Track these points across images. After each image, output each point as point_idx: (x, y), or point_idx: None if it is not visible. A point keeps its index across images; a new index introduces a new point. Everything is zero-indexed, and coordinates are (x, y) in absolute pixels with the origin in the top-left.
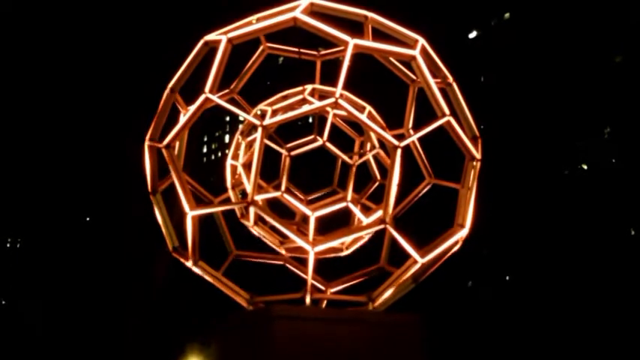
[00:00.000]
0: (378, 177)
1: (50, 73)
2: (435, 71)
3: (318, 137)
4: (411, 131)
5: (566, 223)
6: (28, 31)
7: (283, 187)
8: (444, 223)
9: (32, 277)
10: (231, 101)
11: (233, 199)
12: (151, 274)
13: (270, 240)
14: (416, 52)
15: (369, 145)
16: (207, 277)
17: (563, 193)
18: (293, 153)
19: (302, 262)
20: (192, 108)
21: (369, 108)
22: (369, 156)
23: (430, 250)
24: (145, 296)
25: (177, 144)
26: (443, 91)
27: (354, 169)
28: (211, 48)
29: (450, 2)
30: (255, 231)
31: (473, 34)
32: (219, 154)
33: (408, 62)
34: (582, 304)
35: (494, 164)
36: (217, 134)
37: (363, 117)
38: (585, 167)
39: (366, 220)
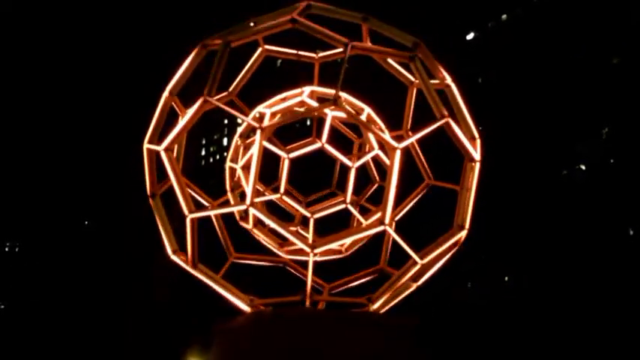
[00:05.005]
0: (377, 179)
1: (49, 76)
2: (434, 73)
3: (317, 139)
4: (410, 133)
5: (566, 224)
6: (28, 31)
7: (282, 190)
8: (443, 225)
9: (31, 280)
10: (230, 104)
11: (232, 202)
12: (151, 276)
13: (269, 242)
14: (414, 54)
15: (368, 147)
16: (206, 280)
17: (562, 193)
18: (292, 155)
19: (302, 264)
20: (191, 111)
21: (367, 110)
22: (368, 158)
23: (430, 251)
24: (145, 298)
25: (175, 147)
26: (441, 92)
27: (353, 171)
28: (210, 51)
29: (447, 4)
30: (255, 233)
31: (470, 36)
32: (218, 156)
33: (407, 64)
34: (581, 304)
35: (493, 165)
36: (216, 137)
37: (362, 119)
38: (583, 168)
39: (365, 222)
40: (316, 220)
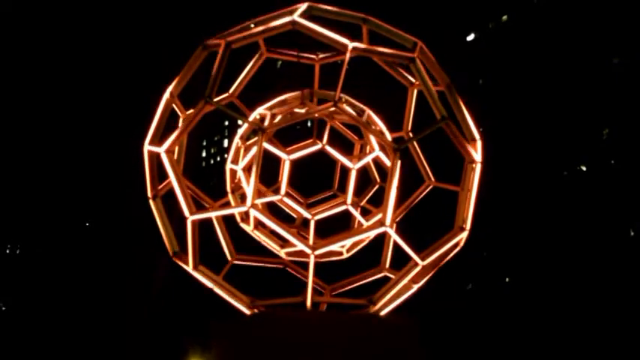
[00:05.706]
0: (378, 180)
1: (49, 76)
2: (434, 74)
3: (318, 141)
4: (411, 134)
5: (567, 225)
6: (28, 31)
7: (283, 191)
8: (444, 226)
9: (32, 282)
10: (231, 105)
11: (233, 204)
12: (151, 277)
13: (270, 244)
14: (414, 55)
15: (368, 149)
16: (207, 282)
17: (563, 194)
18: (293, 157)
19: (302, 266)
20: (192, 112)
21: (368, 111)
22: (369, 159)
23: (431, 252)
24: (145, 299)
25: (176, 148)
26: (442, 93)
27: (354, 172)
28: (210, 52)
29: (447, 4)
30: (256, 235)
31: (471, 37)
32: (219, 158)
33: (407, 65)
34: (582, 306)
35: (494, 166)
36: (216, 138)
37: (363, 120)
38: (584, 169)
39: (366, 224)
40: (317, 222)
